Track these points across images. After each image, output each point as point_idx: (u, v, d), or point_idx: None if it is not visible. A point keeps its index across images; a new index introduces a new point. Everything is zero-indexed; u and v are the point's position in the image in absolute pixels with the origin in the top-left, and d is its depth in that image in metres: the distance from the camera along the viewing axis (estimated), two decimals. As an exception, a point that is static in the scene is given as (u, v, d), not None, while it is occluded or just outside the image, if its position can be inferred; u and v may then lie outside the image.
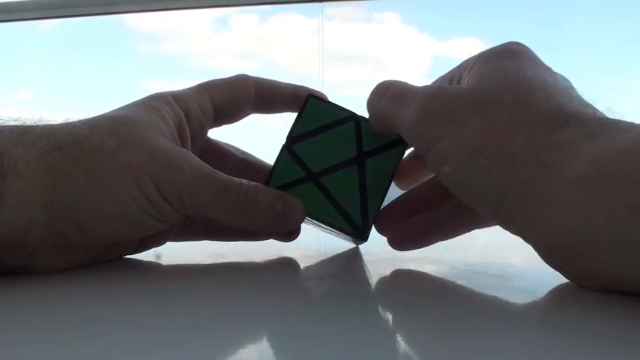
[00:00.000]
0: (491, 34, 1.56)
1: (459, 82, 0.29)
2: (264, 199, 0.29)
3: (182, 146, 0.31)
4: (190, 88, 0.33)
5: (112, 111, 0.29)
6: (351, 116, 0.32)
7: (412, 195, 0.33)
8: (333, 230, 0.32)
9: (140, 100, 0.31)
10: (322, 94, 0.33)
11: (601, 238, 0.20)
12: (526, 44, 0.27)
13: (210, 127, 0.34)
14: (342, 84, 1.69)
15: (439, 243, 0.31)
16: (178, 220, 0.32)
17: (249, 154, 0.36)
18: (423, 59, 1.76)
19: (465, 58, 0.29)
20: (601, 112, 0.24)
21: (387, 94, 0.28)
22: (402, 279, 0.28)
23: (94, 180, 0.26)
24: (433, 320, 0.19)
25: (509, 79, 0.25)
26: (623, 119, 0.23)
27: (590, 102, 0.24)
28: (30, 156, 0.25)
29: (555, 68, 0.26)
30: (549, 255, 0.24)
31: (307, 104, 0.32)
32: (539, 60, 0.27)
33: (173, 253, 0.34)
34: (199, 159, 0.28)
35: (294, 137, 0.31)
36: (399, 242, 0.31)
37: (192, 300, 0.23)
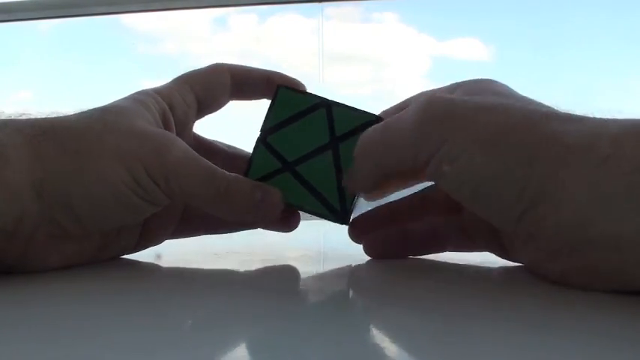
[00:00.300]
0: (490, 34, 1.56)
1: None
2: (244, 187, 0.29)
3: None
4: (171, 82, 0.33)
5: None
6: (322, 102, 0.32)
7: (390, 207, 0.33)
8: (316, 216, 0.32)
9: (126, 96, 0.31)
10: (293, 82, 0.34)
11: (620, 212, 0.21)
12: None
13: (196, 119, 0.35)
14: (342, 84, 1.69)
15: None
16: (174, 216, 0.33)
17: (237, 148, 0.37)
18: (423, 59, 1.76)
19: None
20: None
21: (376, 130, 0.28)
22: (401, 279, 0.28)
23: (81, 163, 0.26)
24: (432, 320, 0.19)
25: (502, 94, 0.25)
26: None
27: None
28: (16, 142, 0.25)
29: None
30: (558, 250, 0.23)
31: (278, 94, 0.32)
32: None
33: (172, 253, 0.34)
34: (186, 145, 0.29)
35: (267, 129, 0.32)
36: (371, 250, 0.32)
37: (191, 300, 0.23)
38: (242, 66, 0.34)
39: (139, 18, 1.75)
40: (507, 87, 0.27)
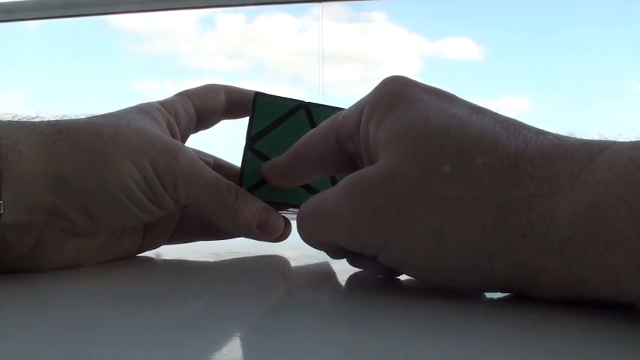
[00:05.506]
0: (482, 34, 1.57)
1: (353, 143, 0.27)
2: (252, 207, 0.30)
3: None
4: (174, 96, 0.35)
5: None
6: (301, 104, 0.33)
7: None
8: None
9: (130, 107, 0.32)
10: (267, 93, 0.34)
11: (602, 294, 0.19)
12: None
13: (191, 133, 0.36)
14: (332, 83, 1.69)
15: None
16: (172, 221, 0.33)
17: (221, 160, 0.38)
18: (414, 59, 1.76)
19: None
20: (527, 129, 0.22)
21: (308, 217, 0.26)
22: (399, 278, 0.28)
23: (96, 160, 0.27)
24: (430, 320, 0.20)
25: (425, 138, 0.22)
26: (560, 136, 0.21)
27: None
28: (31, 139, 0.26)
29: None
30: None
31: (256, 103, 0.33)
32: (429, 89, 0.24)
33: (172, 253, 0.35)
34: (194, 154, 0.30)
35: (253, 137, 0.33)
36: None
37: (190, 300, 0.23)
38: (235, 87, 0.36)
39: (127, 18, 1.74)
40: (447, 112, 0.23)
